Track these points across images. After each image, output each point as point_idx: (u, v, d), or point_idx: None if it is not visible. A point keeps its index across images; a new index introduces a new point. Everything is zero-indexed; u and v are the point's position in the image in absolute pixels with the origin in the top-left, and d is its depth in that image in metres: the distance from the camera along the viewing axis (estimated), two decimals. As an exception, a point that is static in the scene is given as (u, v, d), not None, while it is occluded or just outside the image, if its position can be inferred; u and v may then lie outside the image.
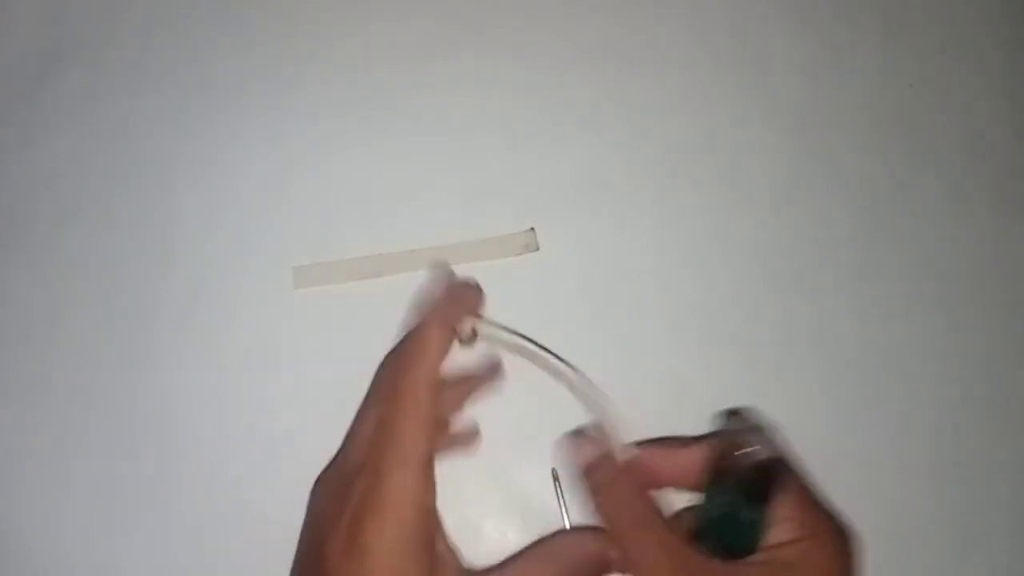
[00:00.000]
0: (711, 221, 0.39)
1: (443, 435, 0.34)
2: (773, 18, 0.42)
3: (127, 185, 0.38)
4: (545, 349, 0.32)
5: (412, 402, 0.29)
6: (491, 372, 0.35)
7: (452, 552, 0.32)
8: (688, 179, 0.40)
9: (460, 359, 0.32)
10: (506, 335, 0.32)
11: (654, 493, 0.30)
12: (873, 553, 0.36)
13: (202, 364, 0.37)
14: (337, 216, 0.38)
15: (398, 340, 0.33)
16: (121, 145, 0.39)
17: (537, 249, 0.38)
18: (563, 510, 0.35)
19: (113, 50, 0.39)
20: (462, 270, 0.37)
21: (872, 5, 0.42)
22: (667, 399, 0.37)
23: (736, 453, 0.29)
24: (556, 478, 0.35)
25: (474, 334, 0.32)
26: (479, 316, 0.32)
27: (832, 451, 0.37)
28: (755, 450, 0.29)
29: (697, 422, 0.37)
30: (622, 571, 0.29)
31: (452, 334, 0.30)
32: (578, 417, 0.35)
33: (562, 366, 0.32)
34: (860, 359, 0.39)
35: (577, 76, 0.40)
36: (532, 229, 0.39)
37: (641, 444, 0.31)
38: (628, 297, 0.38)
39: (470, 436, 0.36)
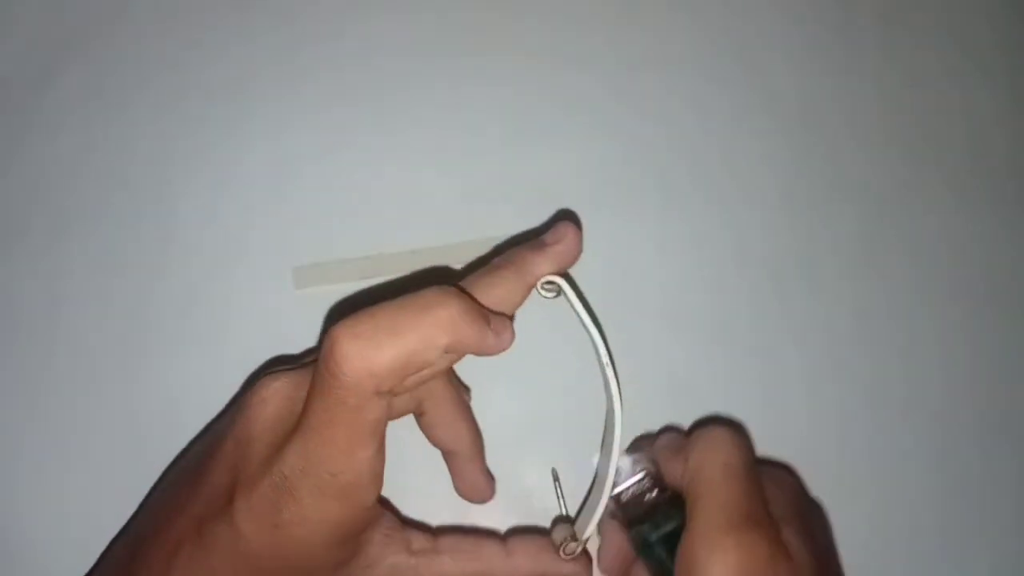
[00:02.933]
0: (713, 221, 0.39)
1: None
2: (775, 19, 0.42)
3: (126, 185, 0.38)
4: (608, 351, 0.31)
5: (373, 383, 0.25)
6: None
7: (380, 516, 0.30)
8: (690, 179, 0.40)
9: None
10: (581, 309, 0.30)
11: None
12: (874, 552, 0.36)
13: (202, 364, 0.37)
14: (337, 216, 0.38)
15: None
16: (120, 145, 0.39)
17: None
18: (563, 511, 0.35)
19: (113, 50, 0.39)
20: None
21: (872, 6, 0.42)
22: (667, 399, 0.37)
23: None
24: (556, 478, 0.35)
25: (556, 292, 0.30)
26: (564, 274, 0.31)
27: (833, 451, 0.37)
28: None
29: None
30: None
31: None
32: (579, 418, 0.35)
33: (610, 374, 0.31)
34: (862, 358, 0.39)
35: (580, 76, 0.40)
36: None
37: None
38: (629, 296, 0.38)
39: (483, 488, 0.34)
